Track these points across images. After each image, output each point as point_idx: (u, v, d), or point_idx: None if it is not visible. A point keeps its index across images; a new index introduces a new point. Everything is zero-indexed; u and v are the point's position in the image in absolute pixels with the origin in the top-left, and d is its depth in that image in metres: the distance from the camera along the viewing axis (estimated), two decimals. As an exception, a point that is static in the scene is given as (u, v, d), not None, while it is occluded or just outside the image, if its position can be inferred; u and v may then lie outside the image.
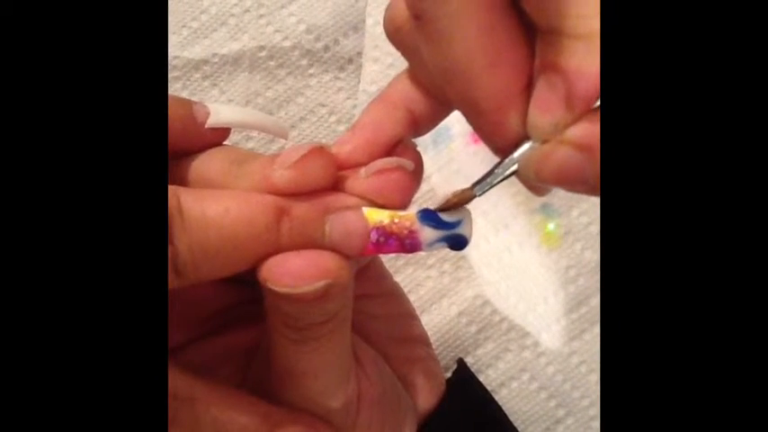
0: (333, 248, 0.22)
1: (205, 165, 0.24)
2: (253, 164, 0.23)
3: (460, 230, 0.23)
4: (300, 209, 0.22)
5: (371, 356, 0.27)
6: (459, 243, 0.23)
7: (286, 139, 0.28)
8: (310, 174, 0.22)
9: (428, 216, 0.23)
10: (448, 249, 0.24)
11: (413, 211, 0.23)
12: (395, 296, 0.31)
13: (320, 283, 0.21)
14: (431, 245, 0.23)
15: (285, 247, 0.22)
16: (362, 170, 0.23)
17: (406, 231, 0.22)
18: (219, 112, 0.25)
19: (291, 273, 0.21)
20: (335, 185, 0.23)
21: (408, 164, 0.23)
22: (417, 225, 0.22)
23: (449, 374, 0.37)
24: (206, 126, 0.25)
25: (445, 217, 0.23)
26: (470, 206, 0.40)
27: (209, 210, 0.21)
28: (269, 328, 0.23)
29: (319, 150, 0.22)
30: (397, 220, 0.22)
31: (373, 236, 0.22)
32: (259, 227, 0.21)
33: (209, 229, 0.21)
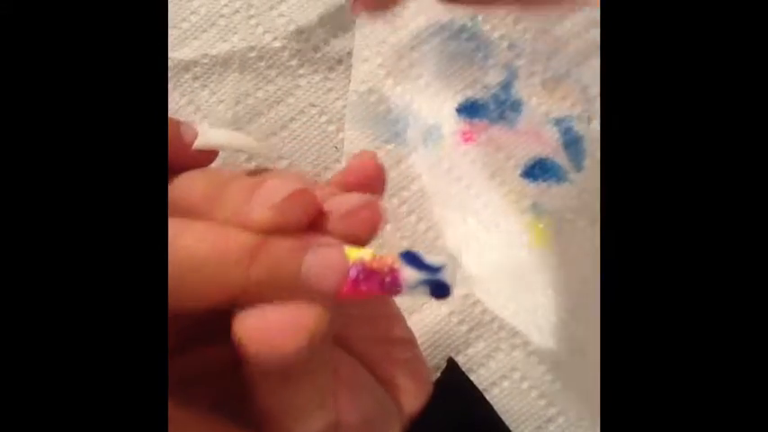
0: (308, 285, 0.22)
1: (186, 186, 0.24)
2: (233, 189, 0.23)
3: (443, 276, 0.22)
4: (279, 243, 0.22)
5: (350, 372, 0.27)
6: (441, 290, 0.23)
7: (272, 162, 0.28)
8: (290, 216, 0.22)
9: (410, 258, 0.22)
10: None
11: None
12: (377, 297, 0.31)
13: (301, 343, 0.21)
14: (412, 287, 0.22)
15: (256, 282, 0.21)
16: (333, 212, 0.23)
17: (386, 269, 0.22)
18: (208, 134, 0.25)
19: (270, 340, 0.21)
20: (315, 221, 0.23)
21: (375, 199, 0.23)
22: (399, 264, 0.22)
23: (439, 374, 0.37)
24: (193, 147, 0.25)
25: (428, 260, 0.22)
26: (461, 205, 0.40)
27: (183, 240, 0.21)
28: (244, 371, 0.23)
29: (301, 193, 0.22)
30: (378, 257, 0.22)
31: (353, 272, 0.22)
32: (230, 261, 0.21)
33: (181, 257, 0.21)
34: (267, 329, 0.21)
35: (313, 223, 0.23)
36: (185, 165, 0.24)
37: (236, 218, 0.22)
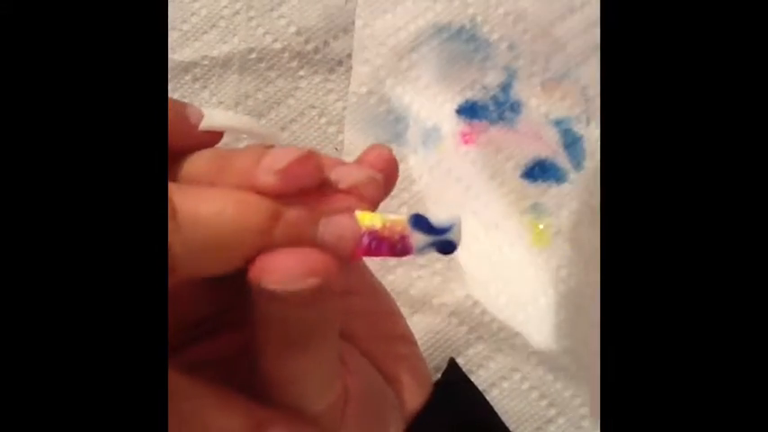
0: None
1: (193, 163, 0.24)
2: (240, 159, 0.23)
3: (450, 236, 0.23)
4: (294, 212, 0.22)
5: (356, 362, 0.27)
6: (448, 248, 0.24)
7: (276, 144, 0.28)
8: (296, 180, 0.22)
9: (419, 222, 0.23)
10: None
11: (404, 216, 0.23)
12: (376, 293, 0.31)
13: (311, 281, 0.21)
14: (421, 249, 0.23)
15: (277, 248, 0.22)
16: (341, 180, 0.23)
17: (397, 236, 0.23)
18: (213, 116, 0.25)
19: (282, 270, 0.21)
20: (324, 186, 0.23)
21: (378, 176, 0.24)
22: (409, 230, 0.23)
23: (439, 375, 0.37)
24: (199, 129, 0.25)
25: (436, 222, 0.23)
26: (462, 206, 0.40)
27: (203, 210, 0.21)
28: (255, 337, 0.23)
29: (307, 157, 0.22)
30: (389, 225, 0.23)
31: (365, 240, 0.22)
32: (252, 229, 0.21)
33: (201, 228, 0.21)
34: (279, 264, 0.21)
35: (321, 189, 0.23)
36: (191, 146, 0.25)
37: (242, 184, 0.22)
